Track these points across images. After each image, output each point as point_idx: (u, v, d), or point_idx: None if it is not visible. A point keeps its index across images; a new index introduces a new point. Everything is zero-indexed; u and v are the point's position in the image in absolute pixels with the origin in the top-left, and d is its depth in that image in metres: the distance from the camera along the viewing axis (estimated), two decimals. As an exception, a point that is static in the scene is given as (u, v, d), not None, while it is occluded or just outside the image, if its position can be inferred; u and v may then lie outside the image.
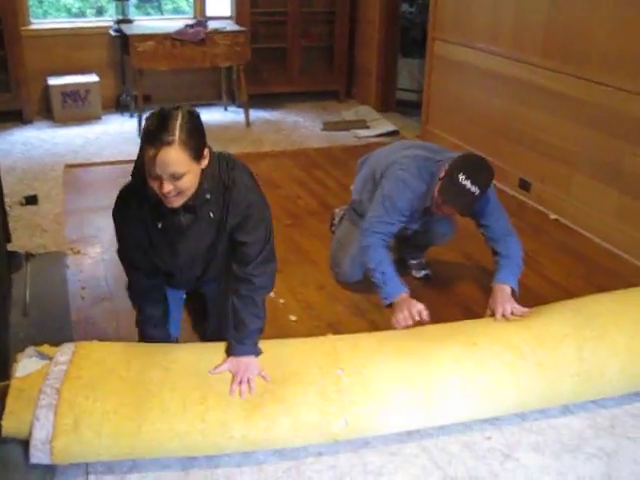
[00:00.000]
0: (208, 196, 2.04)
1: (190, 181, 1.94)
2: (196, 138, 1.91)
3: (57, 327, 2.85)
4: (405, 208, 2.74)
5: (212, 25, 5.40)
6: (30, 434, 1.90)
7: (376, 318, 2.94)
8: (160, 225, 2.11)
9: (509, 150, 4.45)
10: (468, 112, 4.87)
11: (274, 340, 2.29)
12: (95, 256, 3.49)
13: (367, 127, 5.72)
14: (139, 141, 1.97)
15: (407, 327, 2.48)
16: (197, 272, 2.33)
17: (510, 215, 2.90)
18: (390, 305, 2.60)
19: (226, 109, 6.13)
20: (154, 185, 1.91)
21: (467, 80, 4.82)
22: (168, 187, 1.89)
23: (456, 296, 3.20)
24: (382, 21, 5.98)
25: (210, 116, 5.95)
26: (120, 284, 3.16)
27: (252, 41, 5.66)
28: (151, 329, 2.34)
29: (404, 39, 6.31)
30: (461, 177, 2.55)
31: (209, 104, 6.16)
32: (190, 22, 5.41)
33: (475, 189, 2.54)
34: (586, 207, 3.88)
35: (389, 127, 5.68)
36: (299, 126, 5.83)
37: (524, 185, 4.30)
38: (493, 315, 2.52)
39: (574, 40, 3.81)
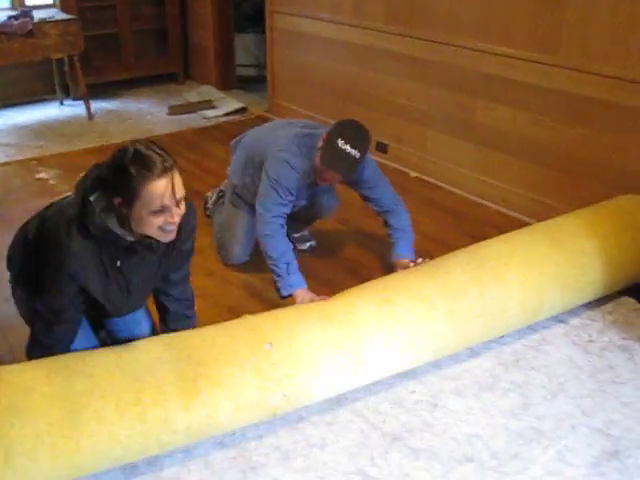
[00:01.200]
0: None
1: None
2: None
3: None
4: (293, 187, 2.76)
5: (38, 15, 5.06)
6: None
7: (273, 296, 2.96)
8: (119, 263, 2.00)
9: (362, 115, 4.54)
10: (316, 82, 4.95)
11: (193, 330, 2.24)
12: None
13: (214, 107, 5.65)
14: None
15: None
16: (140, 303, 2.26)
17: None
18: (288, 296, 2.62)
19: (62, 103, 5.80)
20: (157, 221, 1.84)
21: (312, 50, 4.89)
22: (179, 213, 1.86)
23: (344, 262, 3.29)
24: (214, -2, 5.90)
25: (46, 112, 5.62)
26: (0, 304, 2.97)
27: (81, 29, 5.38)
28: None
29: (235, 15, 6.25)
30: (340, 142, 2.62)
31: (42, 100, 5.82)
32: (12, 13, 5.05)
33: (355, 152, 2.63)
34: (444, 162, 4.09)
35: (236, 105, 5.65)
36: (144, 113, 5.65)
37: (381, 147, 4.45)
38: None
39: (417, 3, 3.98)
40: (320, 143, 2.72)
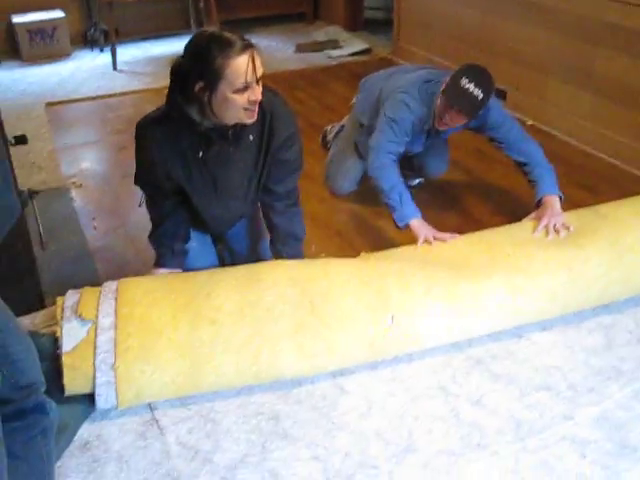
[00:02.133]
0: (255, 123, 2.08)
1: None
2: None
3: (77, 257, 2.99)
4: (408, 129, 2.78)
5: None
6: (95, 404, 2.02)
7: (379, 224, 3.17)
8: (201, 154, 2.11)
9: (483, 60, 4.50)
10: (440, 26, 4.98)
11: (319, 265, 2.29)
12: (98, 188, 3.60)
13: (339, 47, 5.80)
14: (187, 63, 1.95)
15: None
16: (236, 212, 2.39)
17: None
18: (405, 227, 2.63)
19: (196, 37, 6.11)
20: (241, 100, 1.91)
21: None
22: (260, 91, 1.92)
23: (453, 201, 3.40)
24: (347, -61, 5.99)
25: (181, 45, 5.75)
26: (130, 213, 3.30)
27: (217, -34, 5.63)
28: (167, 250, 2.33)
29: (367, -44, 6.34)
30: (464, 81, 2.61)
31: (178, 34, 6.14)
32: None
33: (478, 92, 2.60)
34: (561, 111, 4.08)
35: (361, 46, 5.77)
36: (272, 50, 5.87)
37: (500, 94, 4.44)
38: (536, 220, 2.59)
39: (545, -51, 3.94)
40: (443, 87, 2.71)
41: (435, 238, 2.50)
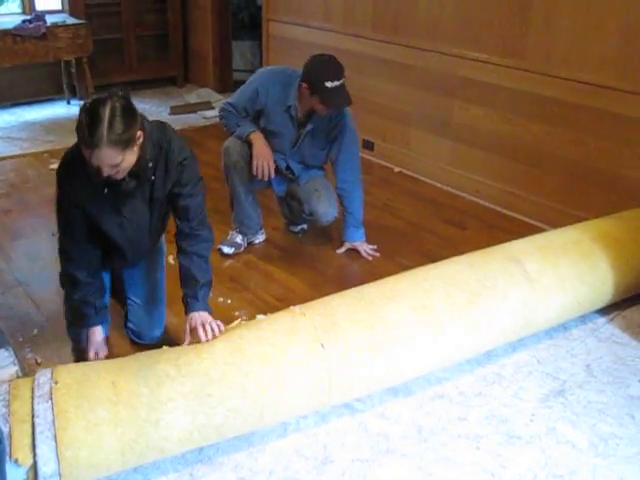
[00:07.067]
0: (150, 164, 2.25)
1: (127, 162, 2.11)
2: (125, 130, 2.02)
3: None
4: (256, 93, 3.23)
5: (50, 19, 5.44)
6: None
7: (268, 268, 3.38)
8: (106, 190, 2.25)
9: (353, 113, 4.95)
10: (309, 85, 5.32)
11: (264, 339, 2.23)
12: (-12, 249, 3.58)
13: (212, 108, 6.03)
14: None
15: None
16: (144, 241, 2.52)
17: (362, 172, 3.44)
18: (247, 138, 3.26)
19: (69, 103, 6.16)
20: (93, 170, 2.09)
21: (305, 56, 5.18)
22: (107, 172, 2.09)
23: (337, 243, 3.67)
24: (214, 6, 6.30)
25: (55, 111, 5.99)
26: (25, 273, 3.32)
27: (89, 33, 5.75)
28: (91, 310, 2.39)
29: (232, 23, 6.66)
30: (329, 84, 3.03)
31: (50, 99, 6.19)
32: (27, 17, 5.42)
33: (340, 83, 3.07)
34: (425, 158, 4.51)
35: (233, 106, 6.03)
36: (146, 113, 5.72)
37: (368, 145, 4.85)
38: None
39: (400, 13, 4.40)
40: (299, 88, 3.15)
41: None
